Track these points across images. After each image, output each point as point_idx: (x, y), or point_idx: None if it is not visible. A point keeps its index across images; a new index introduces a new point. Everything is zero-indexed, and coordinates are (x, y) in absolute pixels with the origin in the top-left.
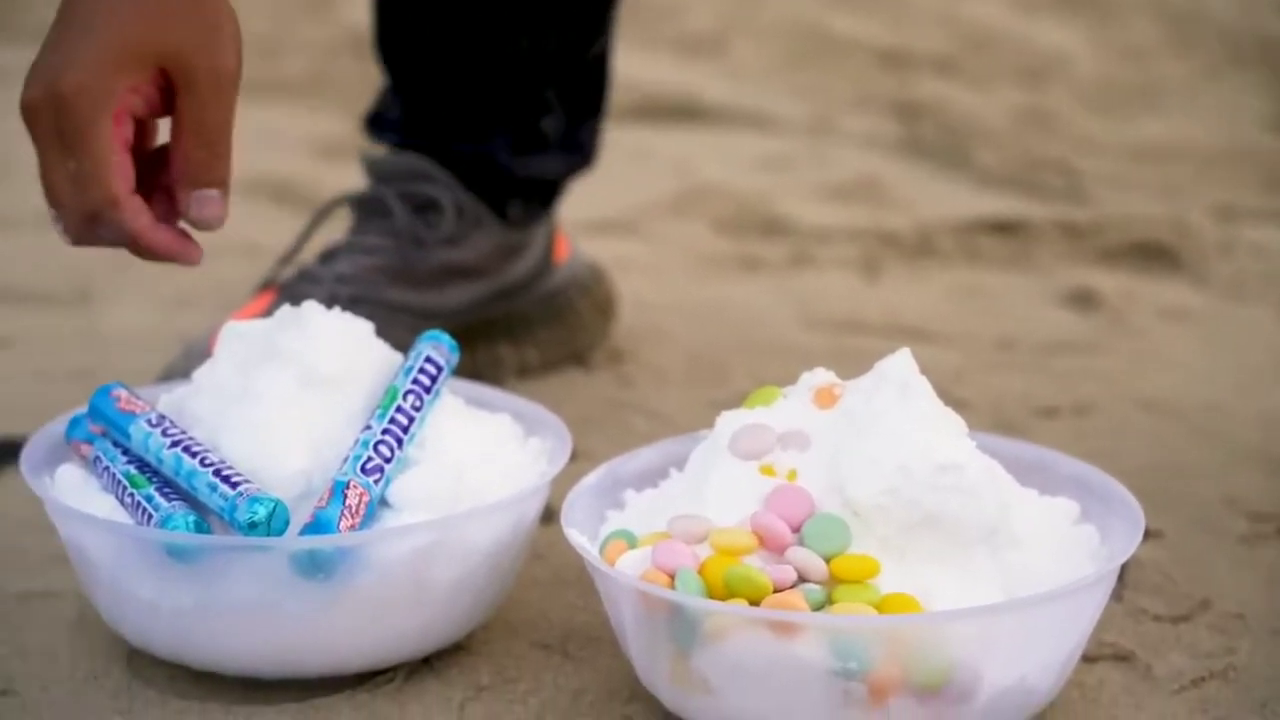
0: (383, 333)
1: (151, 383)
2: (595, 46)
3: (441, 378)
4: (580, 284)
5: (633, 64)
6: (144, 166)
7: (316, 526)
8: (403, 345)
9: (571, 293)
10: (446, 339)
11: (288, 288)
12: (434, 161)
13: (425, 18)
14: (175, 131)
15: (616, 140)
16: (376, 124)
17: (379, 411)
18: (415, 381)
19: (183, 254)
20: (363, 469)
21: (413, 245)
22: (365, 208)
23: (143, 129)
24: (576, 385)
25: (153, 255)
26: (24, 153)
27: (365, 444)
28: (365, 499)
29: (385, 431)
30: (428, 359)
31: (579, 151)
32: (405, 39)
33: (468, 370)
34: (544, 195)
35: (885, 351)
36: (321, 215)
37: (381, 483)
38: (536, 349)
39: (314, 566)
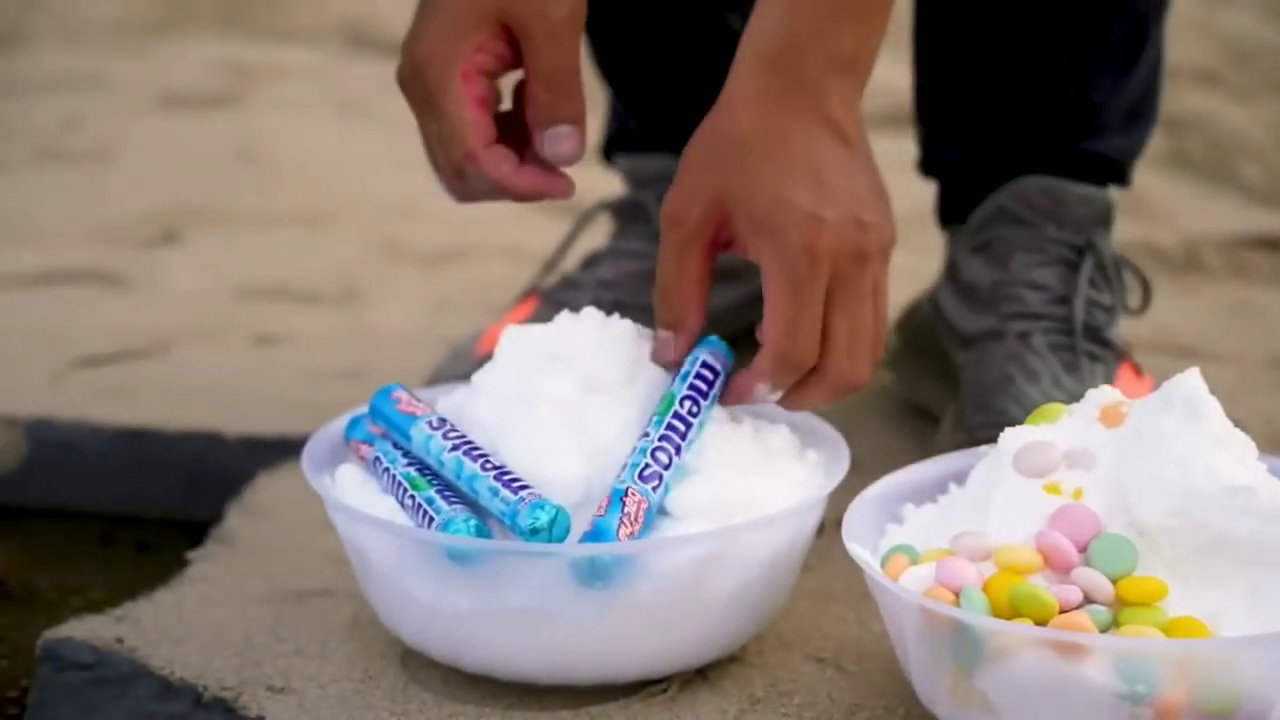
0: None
1: (421, 385)
2: None
3: (718, 383)
4: None
5: (895, 73)
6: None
7: (595, 535)
8: None
9: None
10: (722, 345)
11: (550, 294)
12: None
13: (631, 17)
14: (525, 78)
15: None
16: (614, 146)
17: (656, 418)
18: (692, 387)
19: (550, 189)
20: (640, 476)
21: None
22: (625, 213)
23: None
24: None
25: (523, 196)
26: (288, 152)
27: (643, 451)
28: (644, 506)
29: (663, 438)
30: (704, 364)
31: None
32: (620, 47)
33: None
34: None
35: (1156, 368)
36: (583, 222)
37: (660, 490)
38: None
39: (593, 574)
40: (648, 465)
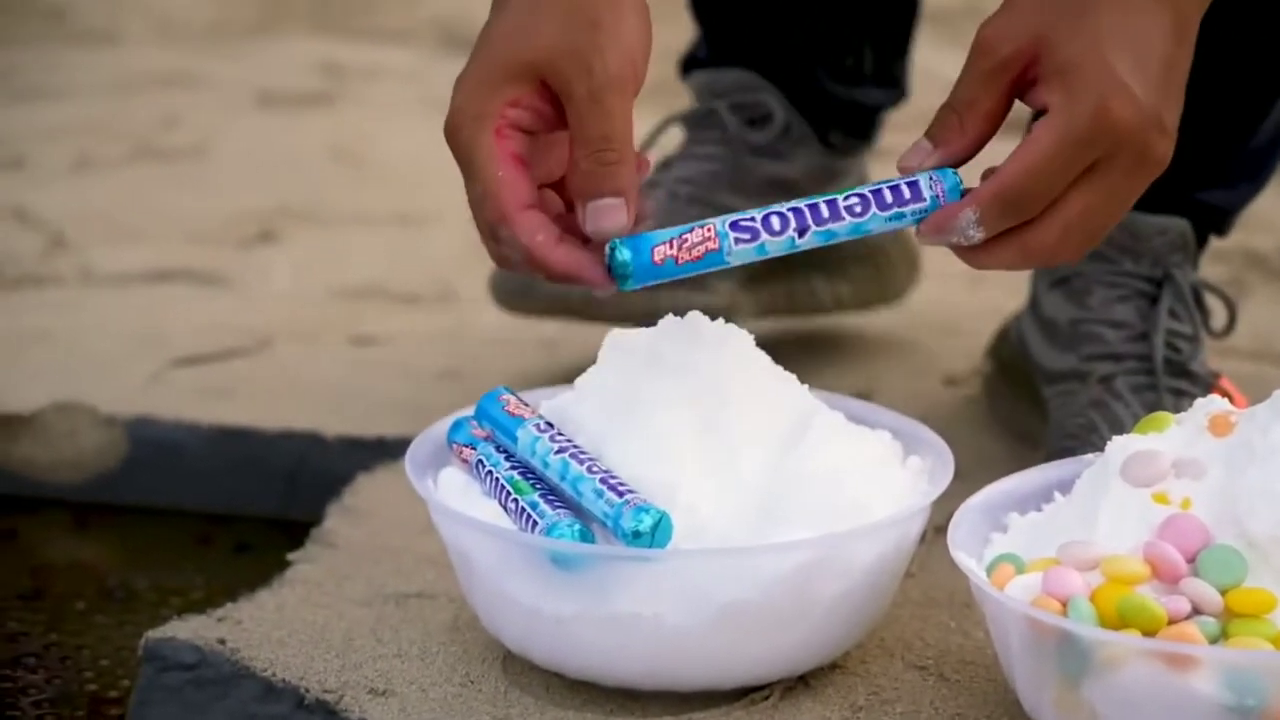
0: None
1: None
2: None
3: (912, 206)
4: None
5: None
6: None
7: (631, 243)
8: None
9: (881, 236)
10: (957, 180)
11: None
12: (761, 76)
13: None
14: (569, 142)
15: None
16: (691, 64)
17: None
18: (876, 192)
19: (586, 275)
20: (733, 225)
21: (747, 152)
22: (698, 121)
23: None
24: (941, 401)
25: (555, 275)
26: (384, 152)
27: (764, 210)
28: (710, 246)
29: (795, 210)
30: (910, 183)
31: (895, 85)
32: None
33: (783, 298)
34: (863, 127)
35: (1256, 375)
36: (658, 131)
37: (752, 245)
38: (849, 285)
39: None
40: (751, 219)
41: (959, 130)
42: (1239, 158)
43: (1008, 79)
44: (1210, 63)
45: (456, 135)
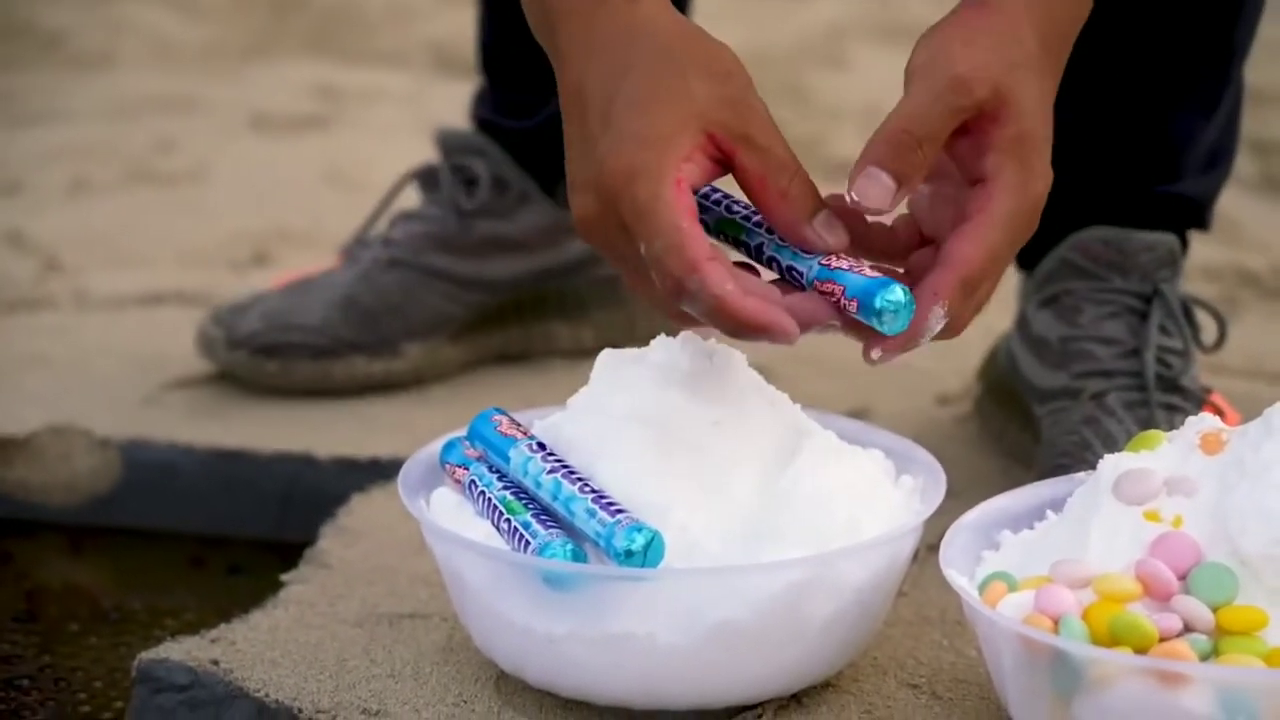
0: (419, 296)
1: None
2: None
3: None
4: None
5: None
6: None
7: None
8: (440, 309)
9: None
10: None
11: (347, 250)
12: (488, 137)
13: None
14: (753, 188)
15: None
16: (474, 103)
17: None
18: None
19: (774, 326)
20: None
21: (455, 215)
22: (426, 180)
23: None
24: (934, 420)
25: (742, 326)
26: (378, 175)
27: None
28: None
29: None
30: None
31: None
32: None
33: (520, 343)
34: None
35: (1248, 394)
36: (395, 190)
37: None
38: (592, 329)
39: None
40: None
41: (921, 165)
42: (1196, 146)
43: (967, 121)
44: (1148, 58)
45: (633, 192)
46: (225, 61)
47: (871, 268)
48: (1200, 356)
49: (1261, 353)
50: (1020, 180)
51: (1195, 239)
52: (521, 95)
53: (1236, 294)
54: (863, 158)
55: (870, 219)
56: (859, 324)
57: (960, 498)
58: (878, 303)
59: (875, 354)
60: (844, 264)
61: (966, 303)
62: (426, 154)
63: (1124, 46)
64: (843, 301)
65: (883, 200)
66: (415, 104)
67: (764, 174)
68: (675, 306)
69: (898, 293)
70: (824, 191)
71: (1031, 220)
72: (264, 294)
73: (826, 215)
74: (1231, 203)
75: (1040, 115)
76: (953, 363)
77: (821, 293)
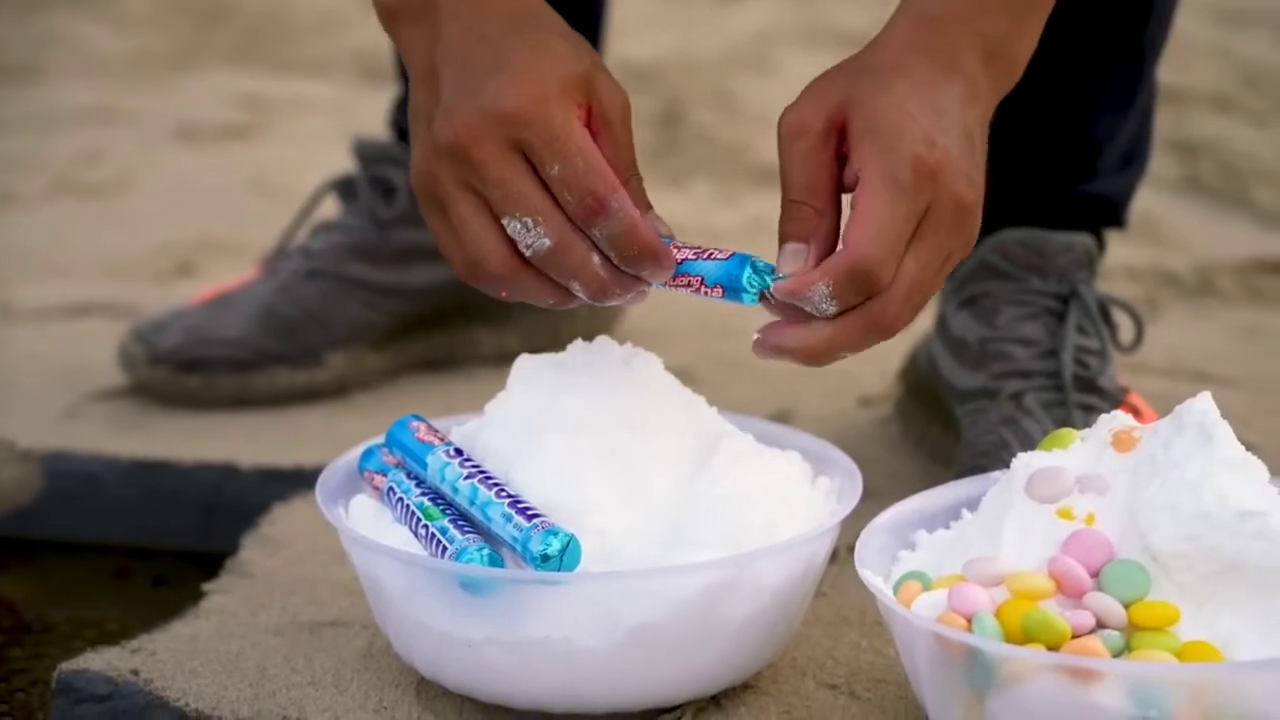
0: (340, 305)
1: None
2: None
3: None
4: None
5: None
6: None
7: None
8: (361, 318)
9: None
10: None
11: (267, 262)
12: (407, 145)
13: None
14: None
15: None
16: (393, 110)
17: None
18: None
19: (665, 256)
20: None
21: (374, 224)
22: (345, 190)
23: None
24: (856, 421)
25: (644, 252)
26: (303, 184)
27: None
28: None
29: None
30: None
31: None
32: None
33: (444, 350)
34: None
35: (1168, 392)
36: (313, 201)
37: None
38: (517, 335)
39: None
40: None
41: (817, 218)
42: (1112, 145)
43: (830, 154)
44: (1061, 59)
45: (544, 115)
46: (151, 72)
47: (708, 251)
48: (1120, 356)
49: (1181, 352)
50: (880, 157)
51: (1118, 239)
52: None
53: (1158, 294)
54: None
55: None
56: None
57: (881, 499)
58: (744, 281)
59: (767, 341)
60: (689, 253)
61: (853, 279)
62: (351, 163)
63: (1038, 48)
64: (705, 290)
65: (796, 263)
66: (341, 113)
67: (615, 163)
68: (575, 241)
69: (751, 271)
70: (754, 194)
71: (916, 185)
72: (183, 310)
73: (654, 213)
74: (1153, 203)
75: (898, 101)
76: (876, 365)
77: (678, 287)
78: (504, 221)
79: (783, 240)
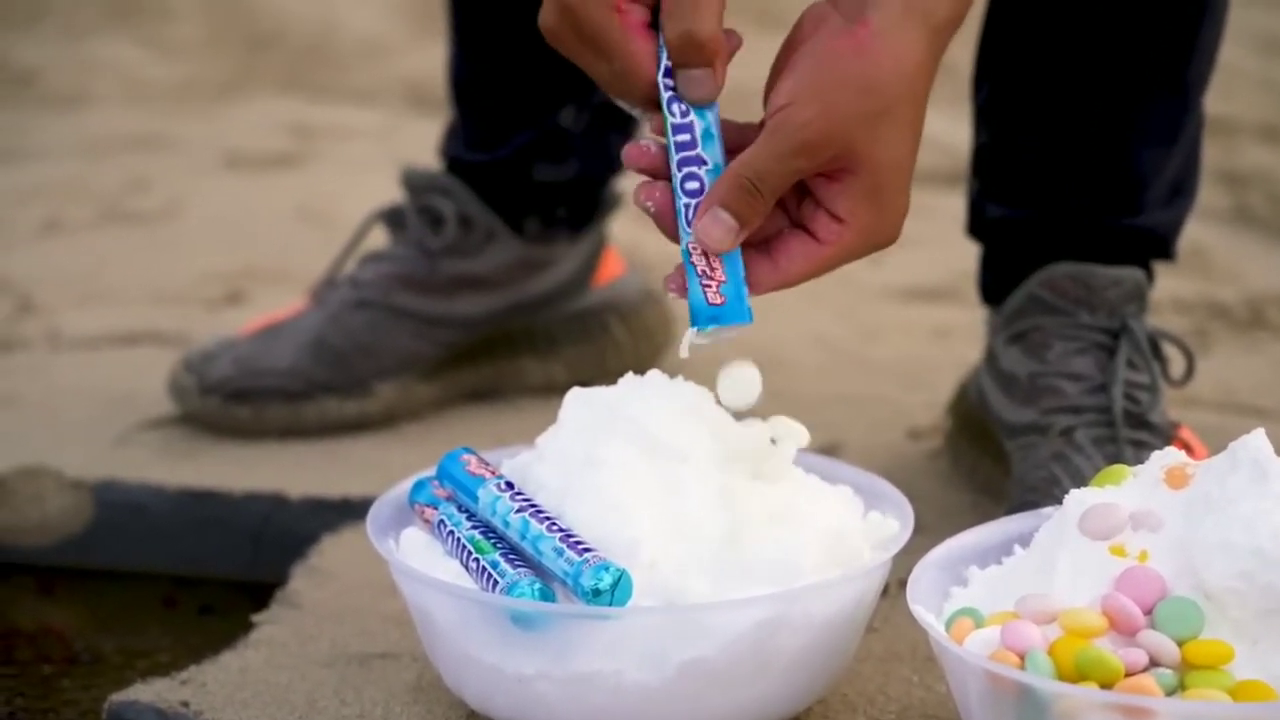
0: (389, 335)
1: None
2: None
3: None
4: (619, 308)
5: (956, 130)
6: None
7: (696, 313)
8: (410, 348)
9: (606, 315)
10: None
11: (315, 293)
12: (454, 175)
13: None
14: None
15: (937, 206)
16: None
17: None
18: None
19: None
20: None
21: (429, 254)
22: (392, 220)
23: None
24: (905, 454)
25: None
26: (351, 212)
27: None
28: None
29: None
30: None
31: (602, 156)
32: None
33: (491, 380)
34: (569, 211)
35: (1219, 426)
36: (362, 231)
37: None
38: (563, 365)
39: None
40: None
41: (761, 212)
42: (1160, 177)
43: (812, 175)
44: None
45: (579, 19)
46: (198, 99)
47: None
48: (1170, 390)
49: (1233, 385)
50: (872, 222)
51: (1167, 271)
52: (491, 127)
53: (1208, 326)
54: (709, 195)
55: None
56: None
57: (931, 533)
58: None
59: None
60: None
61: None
62: (399, 191)
63: (1082, 82)
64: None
65: (724, 240)
66: (388, 141)
67: (666, 10)
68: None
69: None
70: None
71: (875, 249)
72: (234, 340)
73: (697, 76)
74: (1202, 234)
75: (895, 163)
76: (923, 395)
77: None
78: None
79: (719, 204)
